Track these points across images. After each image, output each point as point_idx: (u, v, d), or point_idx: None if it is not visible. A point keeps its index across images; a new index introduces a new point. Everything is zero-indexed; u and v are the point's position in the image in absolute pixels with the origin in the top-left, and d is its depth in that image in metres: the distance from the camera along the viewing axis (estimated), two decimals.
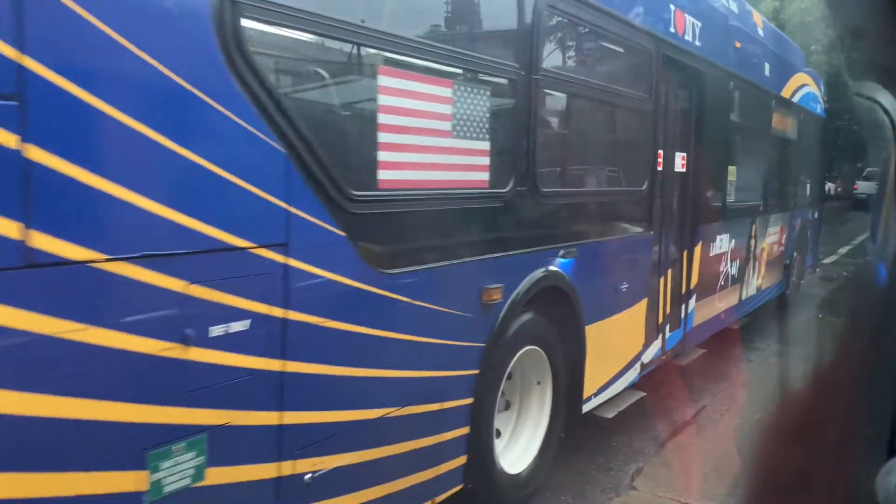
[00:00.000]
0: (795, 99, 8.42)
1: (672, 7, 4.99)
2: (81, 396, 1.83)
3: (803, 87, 8.69)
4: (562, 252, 3.85)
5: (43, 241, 1.71)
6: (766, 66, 7.19)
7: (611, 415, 4.52)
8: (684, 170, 5.42)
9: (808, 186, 9.56)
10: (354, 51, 2.66)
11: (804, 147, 9.00)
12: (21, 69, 1.64)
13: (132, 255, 1.89)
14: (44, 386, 1.75)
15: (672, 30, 4.99)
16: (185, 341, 2.04)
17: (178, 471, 2.08)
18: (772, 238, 7.80)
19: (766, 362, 6.36)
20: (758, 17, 7.29)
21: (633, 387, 4.83)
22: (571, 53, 4.12)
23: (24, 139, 1.65)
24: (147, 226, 1.93)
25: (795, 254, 8.94)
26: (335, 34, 2.54)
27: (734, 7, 6.36)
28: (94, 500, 1.89)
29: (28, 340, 1.71)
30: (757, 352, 6.89)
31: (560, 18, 3.77)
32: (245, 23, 2.13)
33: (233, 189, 2.13)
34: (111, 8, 1.79)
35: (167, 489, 2.05)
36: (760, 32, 7.19)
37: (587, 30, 4.14)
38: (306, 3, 2.35)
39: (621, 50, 4.57)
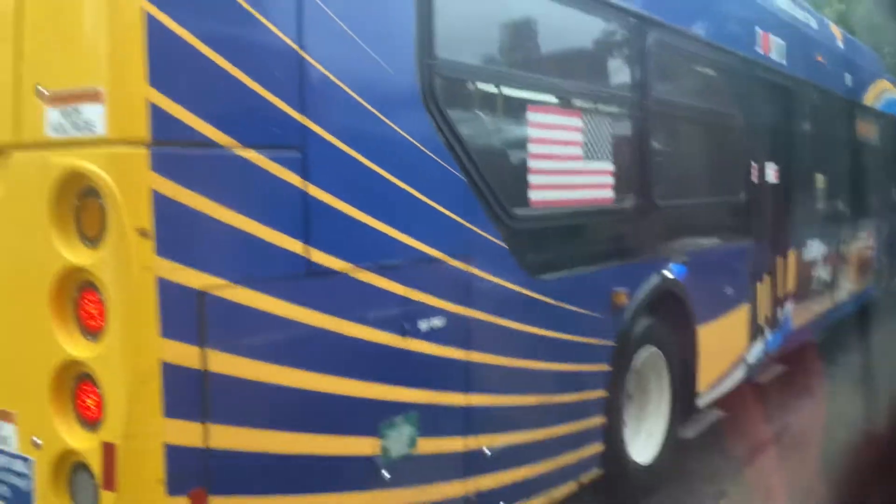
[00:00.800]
0: (877, 105, 8.62)
1: (758, 30, 5.39)
2: (338, 374, 2.35)
3: (884, 93, 8.88)
4: (675, 259, 4.26)
5: (317, 256, 2.25)
6: (847, 75, 7.46)
7: (691, 434, 4.51)
8: (777, 180, 5.77)
9: (894, 190, 9.67)
10: (511, 93, 3.18)
11: (889, 151, 9.14)
12: (304, 129, 2.19)
13: (370, 265, 2.43)
14: (312, 365, 2.28)
15: (760, 51, 5.39)
16: (403, 333, 2.56)
17: (399, 440, 2.58)
18: (861, 243, 7.98)
19: (850, 378, 5.70)
20: (835, 30, 7.58)
21: (713, 405, 4.83)
22: (677, 80, 4.56)
23: (306, 179, 2.21)
24: (378, 241, 2.46)
25: (883, 258, 9.06)
26: (496, 82, 3.07)
27: (813, 23, 6.69)
28: (340, 460, 2.41)
29: (306, 331, 2.24)
30: (840, 367, 6.44)
31: (666, 52, 4.23)
32: (437, 81, 2.67)
33: (433, 212, 2.66)
34: (365, 84, 2.37)
35: (392, 454, 2.56)
36: (839, 44, 7.47)
37: (689, 58, 4.60)
38: (479, 65, 2.90)
39: (717, 73, 5.00)
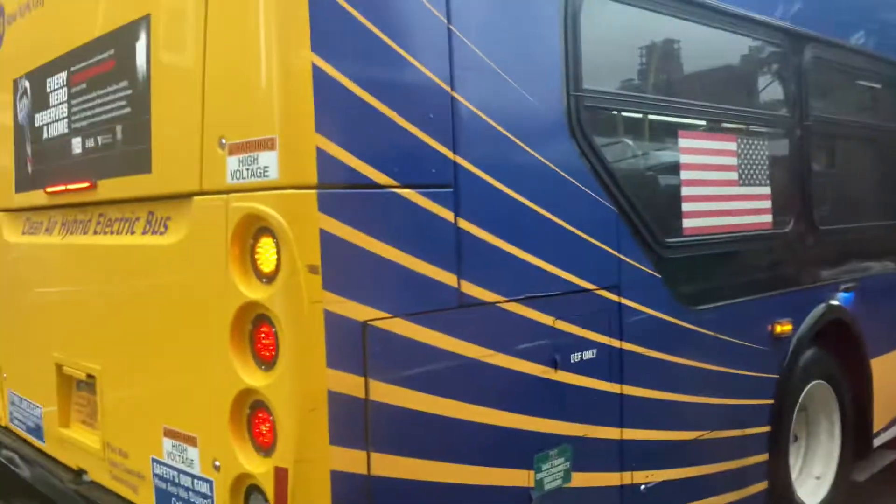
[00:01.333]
0: None
1: None
2: (490, 406, 2.38)
3: None
4: (842, 286, 4.00)
5: (469, 288, 2.31)
6: None
7: (862, 478, 4.23)
8: None
9: None
10: (660, 120, 3.13)
11: None
12: (455, 165, 2.27)
13: (519, 297, 2.46)
14: (467, 396, 2.32)
15: None
16: (555, 365, 2.56)
17: (553, 472, 2.57)
18: None
19: None
20: None
21: (884, 446, 4.48)
22: (835, 96, 4.31)
23: (458, 215, 2.27)
24: (529, 273, 2.49)
25: None
26: (644, 109, 3.04)
27: None
28: (493, 490, 2.42)
29: (461, 362, 2.30)
30: None
31: (823, 67, 4.01)
32: (584, 112, 2.68)
33: (581, 242, 2.66)
34: (512, 118, 2.42)
35: (546, 487, 2.55)
36: None
37: (850, 72, 4.34)
38: (626, 93, 2.89)
39: (883, 86, 4.68)
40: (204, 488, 2.26)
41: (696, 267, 3.21)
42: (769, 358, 3.50)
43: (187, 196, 2.23)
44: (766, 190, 3.53)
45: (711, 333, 3.18)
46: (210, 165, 2.13)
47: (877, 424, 4.26)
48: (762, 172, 3.50)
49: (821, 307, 3.82)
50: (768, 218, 3.56)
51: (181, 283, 2.31)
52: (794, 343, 3.63)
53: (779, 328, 3.53)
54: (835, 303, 3.93)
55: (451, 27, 2.27)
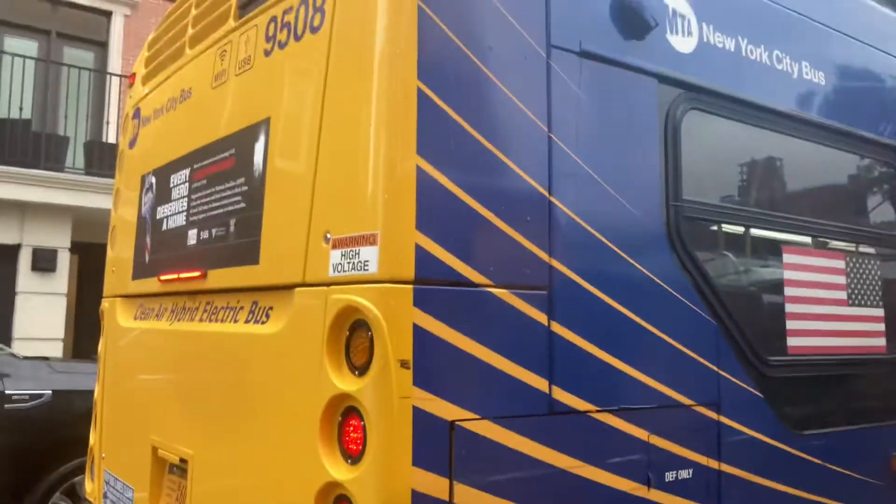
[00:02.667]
0: None
1: None
2: None
3: None
4: None
5: (561, 394, 2.26)
6: None
7: None
8: None
9: None
10: (763, 234, 3.06)
11: None
12: (551, 269, 2.28)
13: (613, 408, 2.38)
14: None
15: None
16: (648, 483, 2.44)
17: None
18: None
19: None
20: None
21: None
22: None
23: (552, 318, 2.26)
24: (623, 384, 2.42)
25: None
26: (746, 223, 2.99)
27: None
28: None
29: (549, 472, 2.22)
30: None
31: None
32: (684, 223, 2.65)
33: (679, 355, 2.57)
34: (610, 226, 2.44)
35: None
36: None
37: None
38: (727, 206, 2.87)
39: None
40: None
41: (803, 389, 3.04)
42: (888, 495, 3.22)
43: (290, 287, 2.31)
44: (880, 312, 3.35)
45: (820, 462, 2.97)
46: (314, 258, 2.22)
47: None
48: (874, 293, 3.34)
49: None
50: (882, 342, 3.36)
51: (277, 371, 2.37)
52: None
53: None
54: None
55: (552, 135, 2.33)
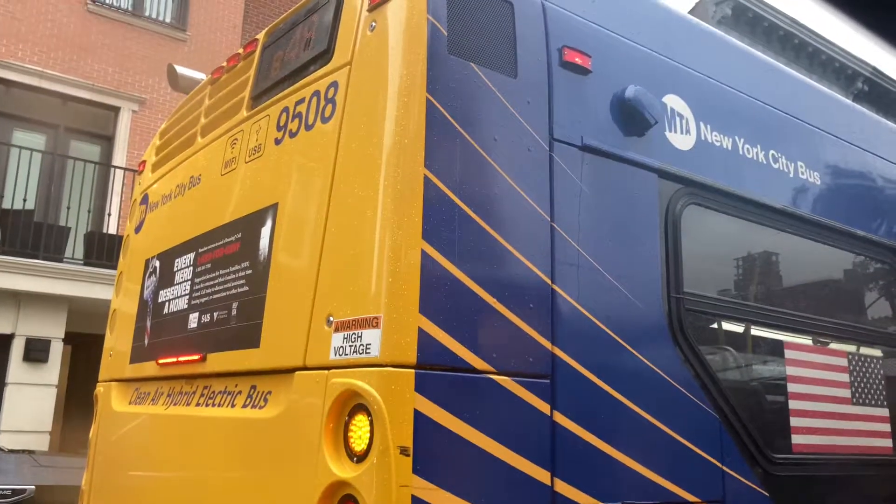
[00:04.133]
0: None
1: None
2: None
3: None
4: None
5: (562, 487, 2.20)
6: None
7: None
8: None
9: None
10: (765, 330, 3.07)
11: None
12: (554, 358, 2.27)
13: (616, 503, 2.31)
14: None
15: None
16: None
17: None
18: None
19: None
20: None
21: None
22: None
23: (554, 408, 2.23)
24: (626, 478, 2.36)
25: None
26: (748, 318, 3.00)
27: None
28: None
29: None
30: None
31: None
32: (686, 316, 2.66)
33: (683, 450, 2.52)
34: (613, 317, 2.44)
35: None
36: None
37: None
38: (729, 301, 2.89)
39: None
40: None
41: (809, 487, 2.97)
42: None
43: (290, 371, 2.29)
44: (885, 412, 3.31)
45: None
46: (315, 342, 2.21)
47: None
48: (878, 392, 3.31)
49: None
50: (887, 442, 3.30)
51: (274, 457, 2.31)
52: None
53: None
54: None
55: (555, 225, 2.37)
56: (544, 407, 2.22)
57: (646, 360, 2.50)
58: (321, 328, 2.20)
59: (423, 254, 2.08)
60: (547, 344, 2.27)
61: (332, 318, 2.17)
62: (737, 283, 3.12)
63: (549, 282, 2.32)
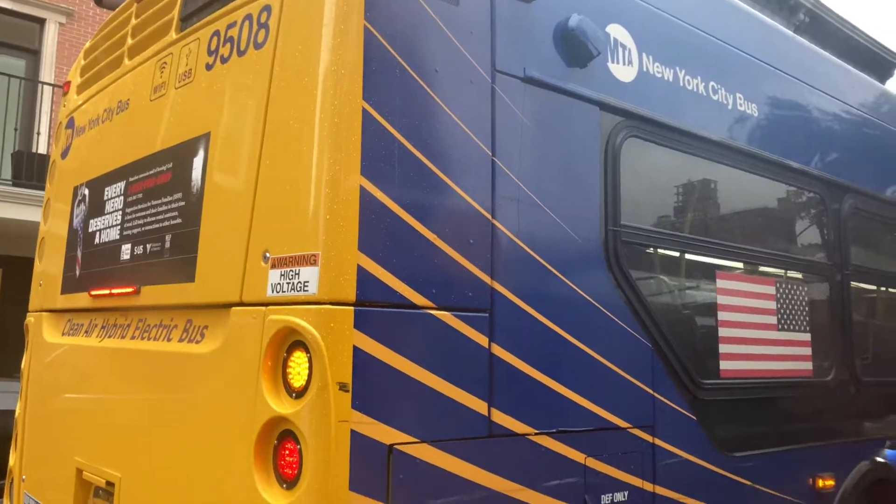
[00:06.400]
0: None
1: None
2: None
3: None
4: (888, 442, 3.82)
5: (500, 417, 2.26)
6: None
7: None
8: None
9: None
10: (698, 259, 3.14)
11: None
12: (493, 292, 2.28)
13: (551, 431, 2.39)
14: None
15: None
16: None
17: None
18: None
19: None
20: None
21: None
22: (875, 247, 4.30)
23: (492, 341, 2.27)
24: (562, 407, 2.43)
25: None
26: (682, 248, 3.06)
27: None
28: None
29: (486, 495, 2.21)
30: None
31: (862, 217, 4.03)
32: (622, 248, 2.70)
33: (616, 378, 2.61)
34: (551, 250, 2.46)
35: None
36: None
37: (887, 224, 4.34)
38: (665, 232, 2.93)
39: None
40: None
41: (734, 411, 3.12)
42: None
43: (226, 306, 2.26)
44: (807, 337, 3.47)
45: (749, 483, 3.04)
46: (252, 278, 2.18)
47: None
48: (802, 318, 3.45)
49: (866, 464, 3.65)
50: (809, 365, 3.48)
51: (211, 392, 2.31)
52: (838, 500, 3.45)
53: (821, 483, 3.37)
54: (880, 460, 3.75)
55: (496, 159, 2.35)
56: (482, 340, 2.25)
57: (583, 293, 2.54)
58: (257, 264, 2.16)
59: (362, 189, 2.04)
60: (486, 278, 2.28)
61: (268, 255, 2.13)
62: (673, 215, 3.17)
63: (489, 216, 2.31)
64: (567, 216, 2.54)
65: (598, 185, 2.67)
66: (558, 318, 2.46)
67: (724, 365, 3.06)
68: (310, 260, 2.00)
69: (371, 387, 1.99)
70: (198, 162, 2.52)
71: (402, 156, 2.13)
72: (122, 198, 2.97)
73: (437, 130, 2.23)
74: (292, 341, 2.02)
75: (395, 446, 2.01)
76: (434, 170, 2.19)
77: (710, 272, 3.14)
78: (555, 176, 2.54)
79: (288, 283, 2.04)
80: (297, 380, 2.00)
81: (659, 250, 3.00)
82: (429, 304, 2.13)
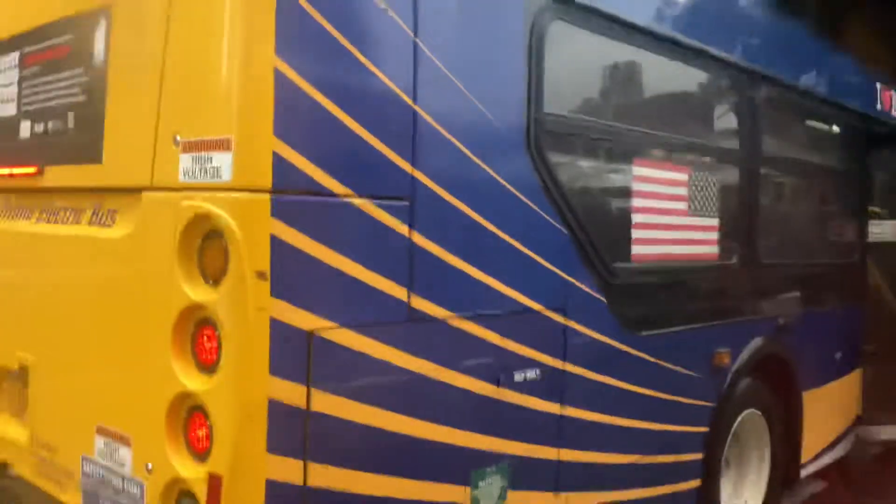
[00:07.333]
0: None
1: (878, 86, 5.21)
2: (432, 421, 2.38)
3: None
4: (780, 321, 4.11)
5: (419, 302, 2.31)
6: None
7: None
8: None
9: None
10: (616, 148, 3.18)
11: None
12: (413, 179, 2.27)
13: (468, 314, 2.46)
14: (410, 410, 2.31)
15: (879, 107, 5.20)
16: (498, 383, 2.57)
17: (489, 491, 2.58)
18: None
19: None
20: None
21: (815, 475, 4.68)
22: (784, 135, 4.44)
23: (412, 228, 2.27)
24: (479, 291, 2.50)
25: None
26: (603, 137, 3.09)
27: None
28: None
29: (406, 377, 2.29)
30: None
31: (772, 106, 4.13)
32: (544, 135, 2.70)
33: (532, 262, 2.68)
34: (473, 137, 2.44)
35: None
36: None
37: (797, 113, 4.49)
38: (586, 119, 2.95)
39: (833, 129, 4.85)
40: (134, 490, 2.21)
41: (643, 293, 3.27)
42: (708, 386, 3.57)
43: (137, 190, 2.18)
44: (715, 222, 3.62)
45: (653, 360, 3.24)
46: (162, 161, 2.09)
47: (805, 455, 4.38)
48: (712, 204, 3.58)
49: (759, 340, 3.92)
50: (714, 249, 3.65)
51: (125, 278, 2.26)
52: (732, 373, 3.72)
53: (718, 358, 3.61)
54: (773, 336, 4.04)
55: (418, 41, 2.27)
56: (403, 228, 2.26)
57: (502, 180, 2.56)
58: (168, 147, 2.08)
59: (277, 71, 1.95)
60: (406, 166, 2.26)
61: (178, 138, 2.04)
62: (595, 102, 3.17)
63: (410, 102, 2.26)
64: (490, 102, 2.51)
65: (522, 71, 2.63)
66: (478, 206, 2.48)
67: (636, 250, 3.18)
68: (223, 145, 1.93)
69: (290, 274, 1.98)
70: (99, 34, 2.35)
71: (321, 36, 2.03)
72: (17, 69, 2.76)
73: (357, 10, 2.14)
74: (208, 229, 1.98)
75: (316, 331, 2.04)
76: (354, 52, 2.11)
77: (628, 159, 3.20)
78: (479, 60, 2.49)
79: (200, 169, 1.97)
80: (214, 268, 1.97)
81: (580, 138, 3.01)
82: (348, 192, 2.10)
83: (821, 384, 4.52)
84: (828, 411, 4.64)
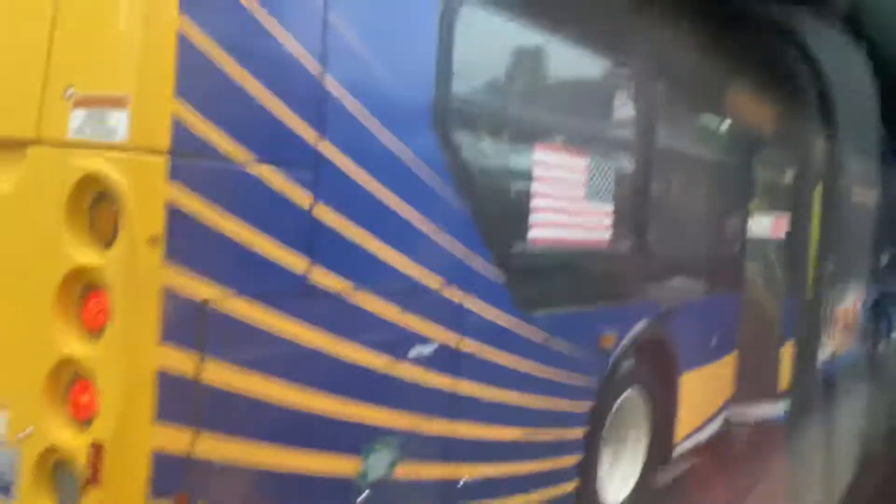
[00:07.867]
0: None
1: None
2: (325, 393, 2.38)
3: None
4: (664, 306, 4.32)
5: (318, 274, 2.29)
6: None
7: (664, 481, 4.60)
8: (776, 234, 5.87)
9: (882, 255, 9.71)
10: (522, 134, 3.24)
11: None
12: (318, 147, 2.24)
13: (366, 287, 2.47)
14: (303, 382, 2.30)
15: None
16: (393, 357, 2.60)
17: (379, 463, 2.61)
18: (848, 304, 8.04)
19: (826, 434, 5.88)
20: None
21: (691, 452, 4.93)
22: (678, 126, 4.64)
23: (315, 198, 2.25)
24: (378, 264, 2.50)
25: (868, 321, 9.10)
26: (508, 118, 3.14)
27: None
28: (321, 478, 2.43)
29: (300, 348, 2.27)
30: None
31: (664, 95, 4.31)
32: (451, 113, 2.72)
33: (434, 239, 2.70)
34: (381, 108, 2.43)
35: (370, 477, 2.58)
36: None
37: (690, 103, 4.70)
38: (492, 99, 2.98)
39: (723, 124, 5.11)
40: (7, 457, 2.11)
41: (538, 275, 3.36)
42: (594, 366, 3.72)
43: (21, 143, 2.05)
44: (610, 209, 3.75)
45: (544, 339, 3.34)
46: (51, 115, 1.98)
47: (680, 434, 4.64)
48: (607, 192, 3.71)
49: (642, 323, 4.11)
50: (606, 235, 3.78)
51: (7, 236, 2.13)
52: (617, 354, 3.89)
53: (605, 338, 3.77)
54: (656, 320, 4.23)
55: (329, 7, 2.24)
56: (305, 197, 2.23)
57: (408, 156, 2.56)
58: (58, 99, 1.96)
59: (181, 29, 1.88)
60: (312, 134, 2.23)
61: (71, 91, 1.93)
62: (502, 84, 3.21)
63: (319, 69, 2.23)
64: (400, 75, 2.51)
65: (433, 49, 2.64)
66: (383, 178, 2.47)
67: (533, 232, 3.26)
68: (119, 102, 1.84)
69: (185, 241, 1.93)
70: None
71: None
72: None
73: None
74: (98, 190, 1.89)
75: (210, 300, 2.00)
76: (262, 14, 2.06)
77: (530, 143, 3.26)
78: (391, 33, 2.48)
79: (93, 126, 1.88)
80: (104, 231, 1.89)
81: (486, 119, 3.05)
82: (250, 157, 2.06)
83: (698, 367, 4.78)
84: (703, 392, 4.93)
